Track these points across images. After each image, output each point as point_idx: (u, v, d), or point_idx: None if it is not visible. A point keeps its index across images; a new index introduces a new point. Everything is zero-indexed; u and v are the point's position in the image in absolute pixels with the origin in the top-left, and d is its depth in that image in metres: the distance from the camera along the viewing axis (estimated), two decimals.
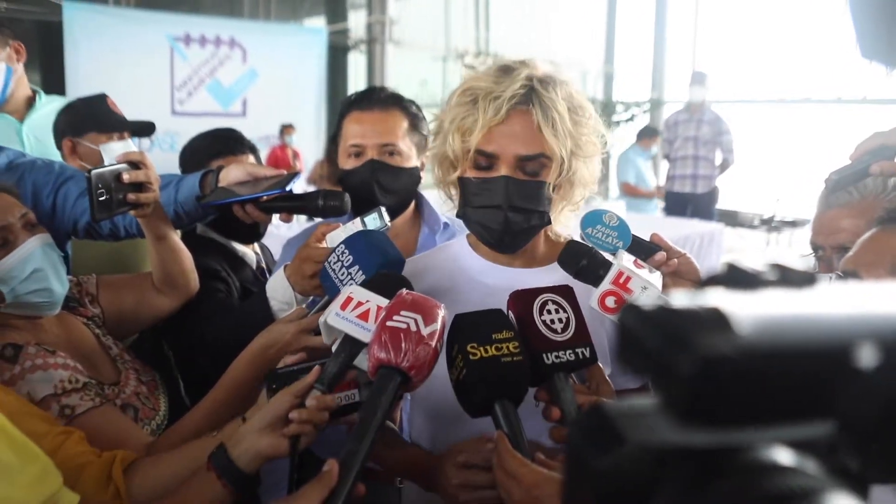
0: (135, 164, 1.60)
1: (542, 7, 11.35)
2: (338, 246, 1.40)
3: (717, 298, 0.30)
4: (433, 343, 1.09)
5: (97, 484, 1.26)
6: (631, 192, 8.00)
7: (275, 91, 9.14)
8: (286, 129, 8.82)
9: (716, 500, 0.34)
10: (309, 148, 9.18)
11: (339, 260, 1.39)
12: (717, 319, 0.27)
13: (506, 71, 1.34)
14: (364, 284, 1.23)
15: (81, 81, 7.41)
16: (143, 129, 2.52)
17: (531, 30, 10.99)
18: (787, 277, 0.31)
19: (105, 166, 1.58)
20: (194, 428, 1.44)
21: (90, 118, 2.38)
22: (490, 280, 1.41)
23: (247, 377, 1.48)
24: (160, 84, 8.45)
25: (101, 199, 1.54)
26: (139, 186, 1.60)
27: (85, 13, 7.78)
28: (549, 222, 1.38)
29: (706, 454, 0.35)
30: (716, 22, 11.69)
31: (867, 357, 0.26)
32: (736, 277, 0.32)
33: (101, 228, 1.85)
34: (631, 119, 10.31)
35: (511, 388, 1.11)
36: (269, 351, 1.48)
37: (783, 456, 0.34)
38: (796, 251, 8.97)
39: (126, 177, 1.58)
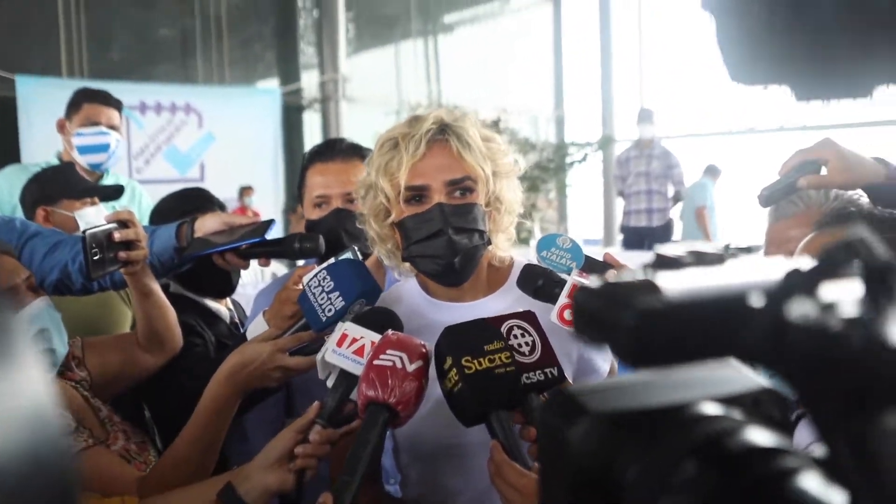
0: (123, 223, 1.66)
1: (490, 57, 11.63)
2: (319, 270, 1.46)
3: (648, 274, 0.38)
4: (418, 379, 1.16)
5: None
6: (702, 218, 8.10)
7: (232, 153, 9.19)
8: (245, 190, 8.87)
9: (665, 450, 0.42)
10: (268, 208, 9.22)
11: (319, 284, 1.44)
12: (648, 286, 0.35)
13: (416, 119, 1.45)
14: (356, 320, 1.30)
15: (37, 152, 7.40)
16: (113, 194, 2.59)
17: (481, 80, 11.25)
18: (702, 259, 0.39)
19: (97, 226, 1.64)
20: (181, 454, 1.47)
21: (63, 186, 2.45)
22: (445, 317, 1.43)
23: (224, 396, 1.51)
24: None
25: (94, 258, 1.59)
26: (128, 245, 1.66)
27: (38, 87, 7.81)
28: (490, 243, 1.45)
29: (654, 413, 0.43)
30: (659, 60, 12.07)
31: (755, 300, 0.34)
32: (662, 262, 0.40)
33: (73, 283, 1.88)
34: (584, 159, 10.56)
35: (506, 398, 1.18)
36: (246, 370, 1.51)
37: (713, 408, 0.42)
38: None
39: (117, 235, 1.63)
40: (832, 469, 0.36)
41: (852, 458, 0.32)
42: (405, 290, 1.55)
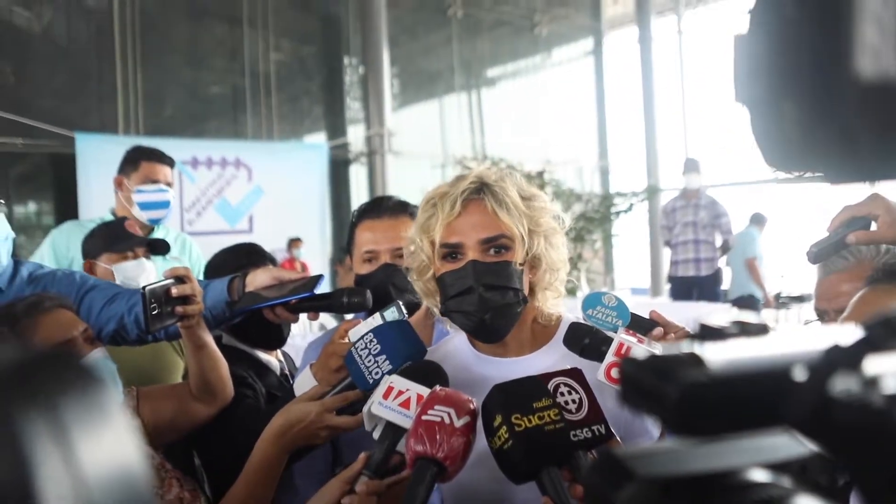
0: (180, 279, 1.72)
1: (533, 110, 11.74)
2: (366, 333, 1.48)
3: (693, 346, 0.39)
4: (466, 434, 1.17)
5: None
6: (754, 269, 8.07)
7: (280, 206, 9.37)
8: (294, 242, 9.01)
9: None
10: (315, 259, 9.35)
11: (366, 347, 1.46)
12: (693, 359, 0.37)
13: (460, 178, 1.49)
14: (402, 374, 1.32)
15: (94, 207, 7.64)
16: (159, 247, 2.68)
17: (525, 132, 11.35)
18: (746, 329, 0.40)
19: (156, 282, 1.70)
20: None
21: (104, 240, 2.54)
22: (491, 372, 1.46)
23: (272, 456, 1.54)
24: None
25: (153, 312, 1.65)
26: (185, 299, 1.71)
27: (96, 143, 8.08)
28: (526, 301, 1.47)
29: (701, 479, 0.44)
30: (703, 108, 12.06)
31: (799, 374, 0.35)
32: (707, 333, 0.41)
33: (128, 334, 1.94)
34: (629, 209, 10.52)
35: (556, 455, 1.18)
36: (293, 429, 1.54)
37: (761, 475, 0.43)
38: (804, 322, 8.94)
39: (174, 291, 1.69)
40: None
41: None
42: (454, 343, 1.57)
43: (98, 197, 7.92)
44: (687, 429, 0.36)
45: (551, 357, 1.46)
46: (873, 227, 1.60)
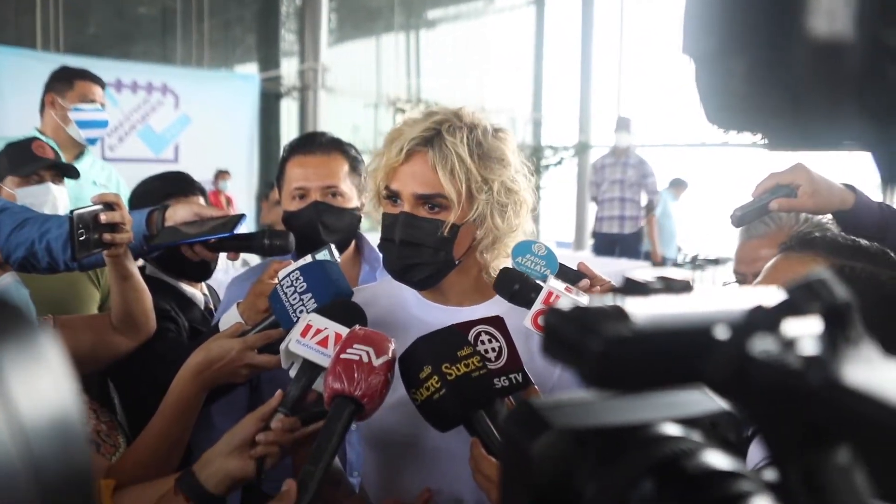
0: (109, 206, 1.65)
1: (471, 56, 11.65)
2: (293, 271, 1.46)
3: (618, 300, 0.39)
4: (384, 373, 1.18)
5: None
6: (651, 225, 8.20)
7: (207, 137, 9.09)
8: (221, 174, 8.79)
9: (624, 468, 0.43)
10: (241, 194, 9.16)
11: (292, 284, 1.45)
12: (617, 313, 0.36)
13: (427, 115, 1.44)
14: (321, 312, 1.31)
15: (11, 125, 7.27)
16: (67, 171, 2.57)
17: (461, 77, 11.26)
18: (670, 286, 0.41)
19: (85, 207, 1.63)
20: (149, 447, 1.47)
21: (10, 163, 2.42)
22: (427, 317, 1.48)
23: (191, 392, 1.52)
24: None
25: (80, 238, 1.58)
26: (113, 227, 1.65)
27: (13, 57, 7.67)
28: (450, 261, 1.44)
29: (615, 431, 0.44)
30: (639, 69, 12.16)
31: (721, 332, 0.35)
32: (632, 287, 0.41)
33: (38, 262, 1.86)
34: (559, 163, 10.61)
35: (481, 401, 1.20)
36: (213, 366, 1.51)
37: (673, 429, 0.43)
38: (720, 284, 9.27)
39: (103, 217, 1.62)
40: (783, 495, 0.37)
41: (803, 488, 0.34)
42: (393, 284, 1.55)
43: (16, 115, 7.56)
44: (607, 383, 0.36)
45: (494, 310, 1.45)
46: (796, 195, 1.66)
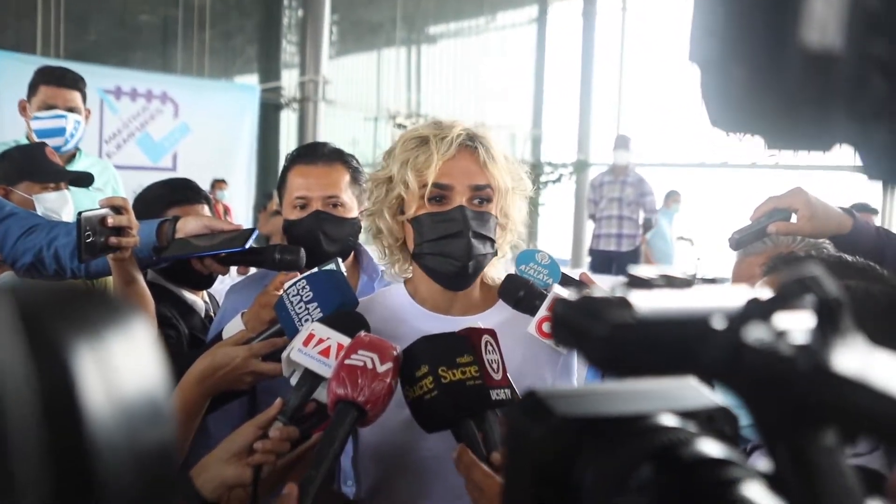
0: (117, 209, 1.66)
1: (472, 72, 11.72)
2: (299, 280, 1.47)
3: (622, 292, 0.41)
4: (388, 380, 1.19)
5: None
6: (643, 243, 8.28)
7: (206, 146, 9.11)
8: (218, 183, 8.80)
9: (623, 455, 0.45)
10: (240, 203, 9.18)
11: (298, 293, 1.45)
12: (622, 302, 0.39)
13: (440, 122, 1.48)
14: (324, 322, 1.32)
15: (8, 130, 7.29)
16: (82, 180, 2.56)
17: (461, 93, 11.33)
18: (672, 282, 0.43)
19: (92, 210, 1.63)
20: None
21: (26, 168, 2.42)
22: (424, 326, 1.45)
23: (193, 399, 1.51)
24: (89, 136, 8.33)
25: (87, 240, 1.59)
26: (120, 231, 1.66)
27: (13, 62, 7.70)
28: (496, 255, 1.48)
29: (616, 420, 0.46)
30: (639, 88, 12.25)
31: (717, 322, 0.38)
32: (635, 282, 0.44)
33: (45, 269, 1.87)
34: (558, 180, 10.66)
35: (475, 409, 1.22)
36: (217, 373, 1.51)
37: (671, 420, 0.46)
38: None
39: (110, 221, 1.63)
40: (774, 482, 0.40)
41: (792, 470, 0.36)
42: (392, 295, 1.55)
43: (14, 121, 7.53)
44: (611, 365, 0.39)
45: (495, 319, 1.46)
46: (794, 219, 1.68)
